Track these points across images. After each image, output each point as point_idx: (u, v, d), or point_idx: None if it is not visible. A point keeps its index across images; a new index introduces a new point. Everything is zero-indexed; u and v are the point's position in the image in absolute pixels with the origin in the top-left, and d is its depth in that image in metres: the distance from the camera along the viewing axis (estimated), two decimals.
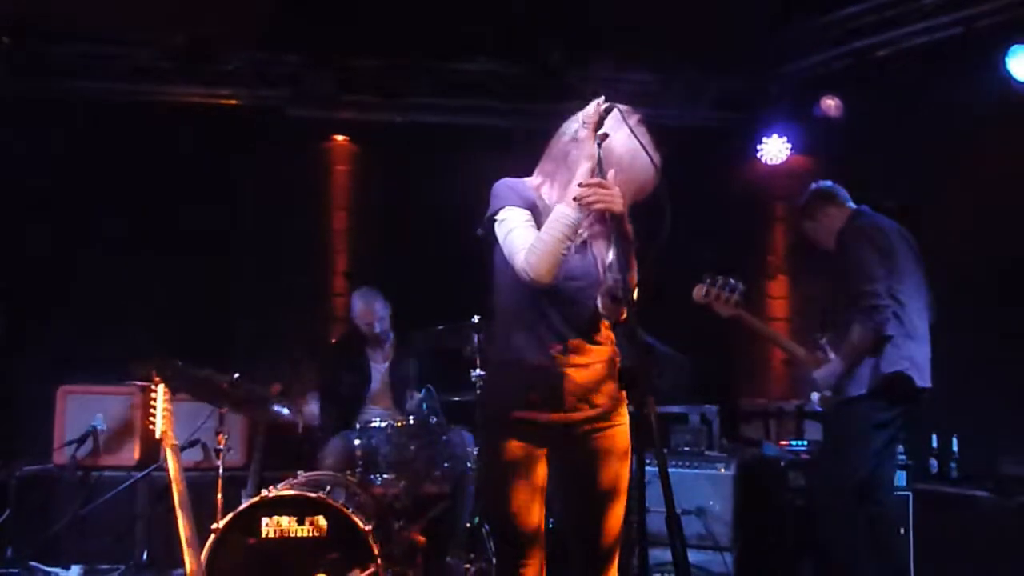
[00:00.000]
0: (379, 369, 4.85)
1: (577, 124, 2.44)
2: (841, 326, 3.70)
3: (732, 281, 3.71)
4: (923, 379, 3.61)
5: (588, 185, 2.26)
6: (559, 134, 2.54)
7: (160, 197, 5.68)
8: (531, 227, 2.44)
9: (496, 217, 2.49)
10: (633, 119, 2.40)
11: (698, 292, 3.74)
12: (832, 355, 3.79)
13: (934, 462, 4.70)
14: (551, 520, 2.84)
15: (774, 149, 6.02)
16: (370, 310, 4.80)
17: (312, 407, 4.59)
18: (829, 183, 3.93)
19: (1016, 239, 4.68)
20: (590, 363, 2.50)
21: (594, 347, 2.51)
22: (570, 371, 2.48)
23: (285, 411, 4.05)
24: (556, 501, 2.68)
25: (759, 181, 6.29)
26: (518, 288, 2.47)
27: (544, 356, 2.48)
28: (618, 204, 2.26)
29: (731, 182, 6.26)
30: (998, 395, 4.61)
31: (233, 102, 5.70)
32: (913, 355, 3.59)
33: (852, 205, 3.85)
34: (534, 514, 2.52)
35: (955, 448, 4.65)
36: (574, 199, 2.29)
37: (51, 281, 5.57)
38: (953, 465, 4.66)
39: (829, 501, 3.65)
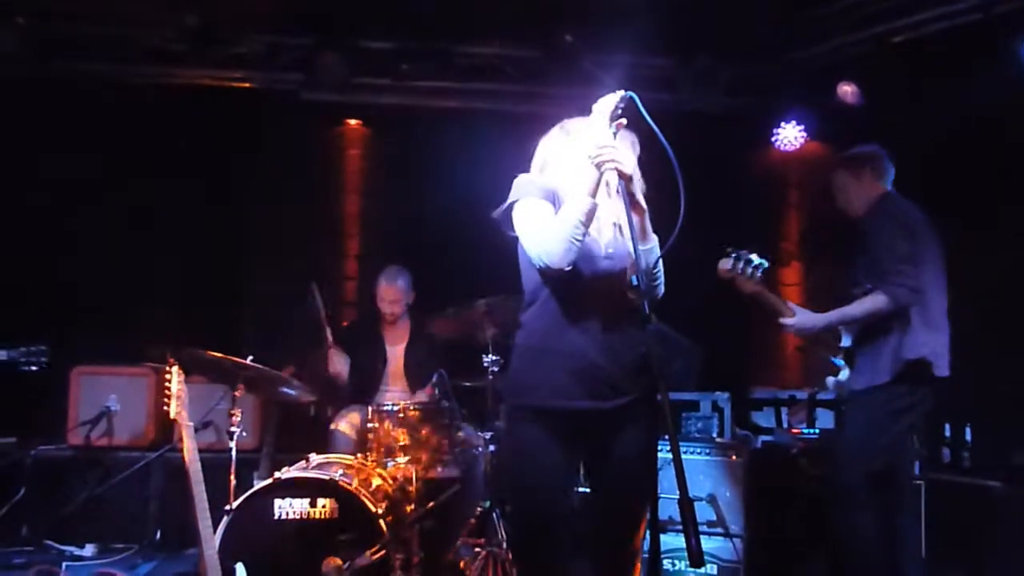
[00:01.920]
0: (394, 351, 4.85)
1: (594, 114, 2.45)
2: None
3: (756, 257, 3.65)
4: (941, 369, 3.60)
5: (601, 146, 2.35)
6: None
7: (172, 179, 5.70)
8: (550, 216, 2.48)
9: (514, 209, 2.53)
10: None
11: (723, 265, 3.65)
12: (845, 339, 3.79)
13: (947, 452, 4.68)
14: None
15: (789, 135, 5.98)
16: (392, 287, 4.80)
17: (339, 361, 4.59)
18: (886, 155, 3.86)
19: None
20: (623, 349, 2.49)
21: (627, 332, 2.50)
22: (603, 358, 2.48)
23: (299, 392, 4.06)
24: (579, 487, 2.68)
25: (774, 167, 6.26)
26: (547, 275, 2.48)
27: (577, 343, 2.48)
28: (628, 166, 2.37)
29: (746, 168, 6.23)
30: (1011, 385, 4.58)
31: (246, 85, 5.69)
32: (930, 343, 3.57)
33: (889, 187, 3.80)
34: (561, 503, 2.52)
35: (968, 438, 4.63)
36: (587, 157, 2.37)
37: (66, 262, 5.59)
38: (966, 455, 4.64)
39: (846, 489, 3.62)
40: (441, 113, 5.85)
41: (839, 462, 3.73)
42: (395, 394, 4.72)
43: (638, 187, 2.45)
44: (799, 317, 3.71)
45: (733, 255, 3.65)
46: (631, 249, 2.44)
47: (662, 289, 2.49)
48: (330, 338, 4.48)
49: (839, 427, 3.85)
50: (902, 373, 3.54)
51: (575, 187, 2.45)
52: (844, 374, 3.82)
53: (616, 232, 2.55)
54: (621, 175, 2.35)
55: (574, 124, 2.62)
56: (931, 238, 3.70)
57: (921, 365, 3.54)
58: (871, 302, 3.54)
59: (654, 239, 2.46)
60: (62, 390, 5.14)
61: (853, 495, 3.58)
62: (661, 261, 2.47)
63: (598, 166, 2.35)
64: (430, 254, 5.47)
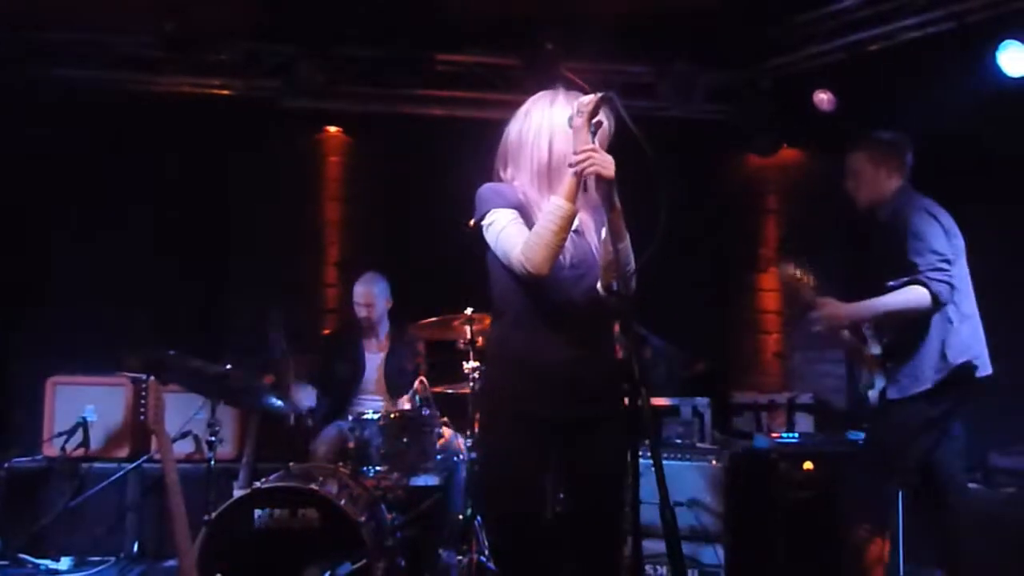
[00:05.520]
0: (374, 359, 4.84)
1: (571, 112, 2.43)
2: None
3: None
4: (983, 368, 3.42)
5: (583, 151, 2.31)
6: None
7: (151, 187, 5.66)
8: (521, 224, 2.47)
9: (484, 221, 2.51)
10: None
11: (788, 270, 3.45)
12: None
13: None
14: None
15: (766, 143, 6.03)
16: (368, 291, 4.80)
17: (302, 394, 4.57)
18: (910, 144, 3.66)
19: (1010, 231, 4.70)
20: (594, 356, 2.50)
21: (598, 339, 2.51)
22: (575, 366, 2.48)
23: (278, 402, 4.04)
24: (558, 496, 2.68)
25: (751, 173, 6.31)
26: (516, 286, 2.47)
27: (548, 352, 2.47)
28: (610, 169, 2.32)
29: (724, 174, 6.28)
30: (988, 390, 4.62)
31: (225, 92, 5.66)
32: (974, 344, 3.39)
33: (906, 182, 3.64)
34: (537, 510, 2.51)
35: None
36: (569, 165, 2.34)
37: (41, 270, 5.54)
38: None
39: (865, 503, 3.48)
40: (421, 120, 5.84)
41: (864, 476, 3.53)
42: (375, 402, 4.71)
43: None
44: (829, 307, 3.42)
45: (794, 261, 3.47)
46: (600, 251, 2.44)
47: (633, 285, 2.48)
48: (292, 376, 4.41)
49: (868, 440, 3.64)
50: (945, 380, 3.32)
51: (550, 192, 2.43)
52: (878, 386, 3.55)
53: (580, 238, 2.53)
54: (603, 179, 2.33)
55: (559, 99, 2.54)
56: (959, 233, 3.52)
57: (967, 368, 3.33)
58: (911, 294, 3.26)
59: (627, 239, 2.44)
60: (37, 400, 5.08)
61: (870, 508, 3.44)
62: (633, 260, 2.45)
63: (579, 172, 2.33)
64: (411, 261, 5.46)
